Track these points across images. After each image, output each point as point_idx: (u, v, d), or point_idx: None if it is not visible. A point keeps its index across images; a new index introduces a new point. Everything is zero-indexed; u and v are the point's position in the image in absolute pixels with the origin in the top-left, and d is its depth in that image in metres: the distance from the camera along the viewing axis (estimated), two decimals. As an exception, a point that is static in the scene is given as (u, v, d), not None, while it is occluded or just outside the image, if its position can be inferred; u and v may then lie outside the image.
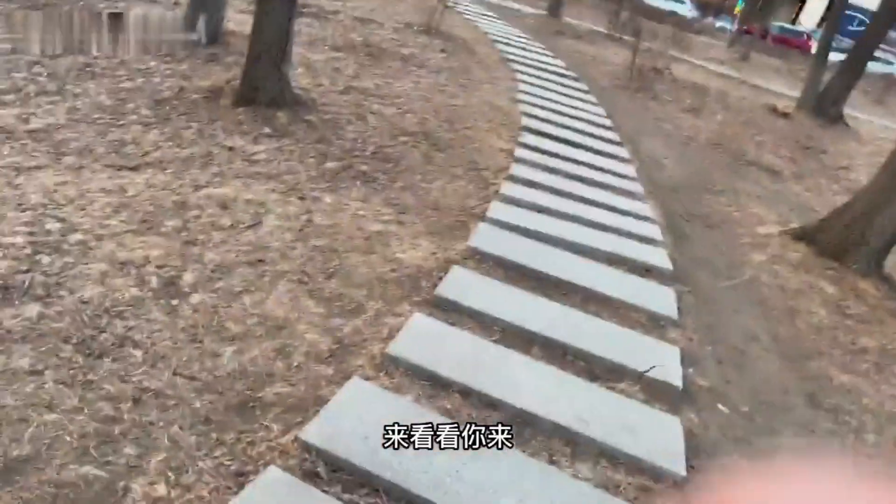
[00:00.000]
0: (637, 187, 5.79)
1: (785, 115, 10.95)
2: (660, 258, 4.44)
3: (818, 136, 10.38)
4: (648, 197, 5.63)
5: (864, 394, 3.68)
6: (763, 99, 11.68)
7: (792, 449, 3.01)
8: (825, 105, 11.47)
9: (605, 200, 5.22)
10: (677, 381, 3.13)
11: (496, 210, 4.51)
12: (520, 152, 5.86)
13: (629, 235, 4.68)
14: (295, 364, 2.63)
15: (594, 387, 2.98)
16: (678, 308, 3.84)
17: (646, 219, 5.10)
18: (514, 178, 5.21)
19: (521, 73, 9.08)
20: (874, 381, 3.84)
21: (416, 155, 5.36)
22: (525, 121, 6.88)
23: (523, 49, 11.01)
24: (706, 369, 3.41)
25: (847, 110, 11.67)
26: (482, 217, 4.37)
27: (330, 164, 4.76)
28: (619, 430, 2.70)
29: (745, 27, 22.39)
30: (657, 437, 2.73)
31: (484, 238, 4.05)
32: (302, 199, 4.10)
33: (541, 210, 4.71)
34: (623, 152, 6.73)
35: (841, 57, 12.21)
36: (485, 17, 13.77)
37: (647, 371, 3.09)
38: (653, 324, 3.65)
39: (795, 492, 0.44)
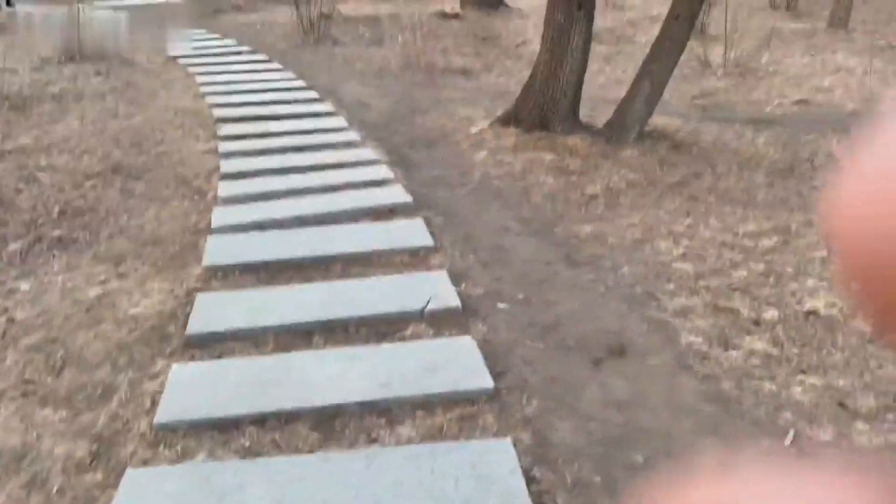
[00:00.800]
0: (352, 135, 5.73)
1: (455, 16, 11.54)
2: (398, 194, 4.46)
3: (489, 25, 11.11)
4: (366, 140, 5.61)
5: (608, 234, 4.07)
6: (431, 8, 12.14)
7: (569, 312, 3.24)
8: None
9: (325, 160, 5.09)
10: (455, 302, 3.19)
11: (220, 216, 4.18)
12: (224, 146, 5.49)
13: (362, 185, 4.63)
14: (55, 489, 2.21)
15: (385, 347, 2.92)
16: (431, 233, 3.89)
17: (371, 162, 5.08)
18: (227, 176, 4.87)
19: (193, 65, 8.46)
20: (610, 220, 4.27)
21: (113, 194, 4.76)
22: (217, 112, 6.43)
23: (185, 40, 10.25)
24: (475, 277, 3.52)
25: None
26: (209, 230, 4.03)
27: (13, 246, 4.04)
28: (423, 375, 2.68)
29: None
30: (457, 363, 2.76)
31: (218, 251, 3.74)
32: (-9, 300, 3.44)
33: (267, 196, 4.46)
34: (326, 107, 6.61)
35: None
36: (132, 20, 12.53)
37: (425, 307, 3.10)
38: (415, 259, 3.66)
39: None
